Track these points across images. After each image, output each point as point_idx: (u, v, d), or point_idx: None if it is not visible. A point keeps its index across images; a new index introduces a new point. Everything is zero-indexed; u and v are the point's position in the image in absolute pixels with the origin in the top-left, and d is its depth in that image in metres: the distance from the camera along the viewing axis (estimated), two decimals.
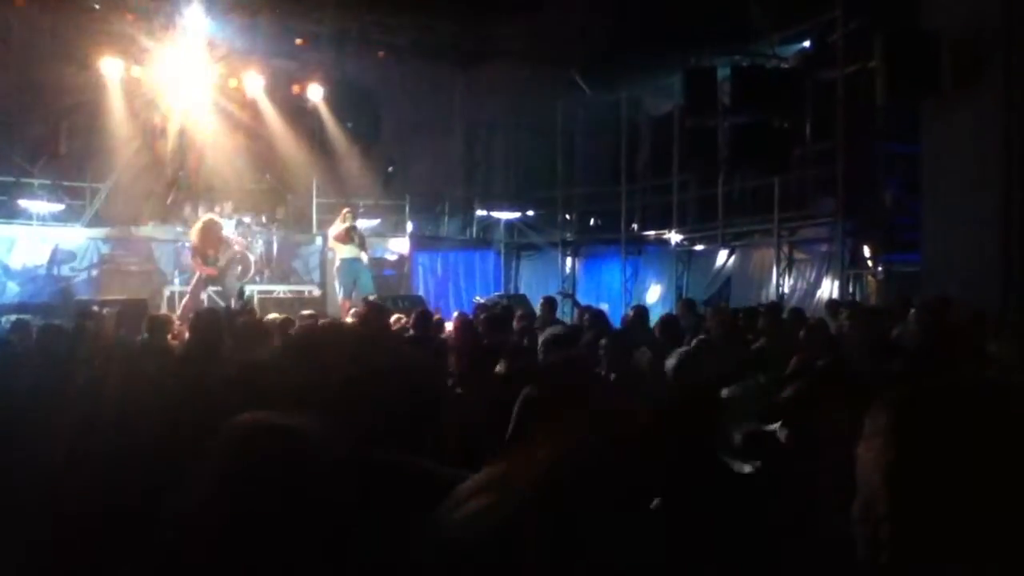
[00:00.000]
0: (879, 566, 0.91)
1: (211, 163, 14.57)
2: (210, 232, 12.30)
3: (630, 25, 13.53)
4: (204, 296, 12.10)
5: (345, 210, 13.26)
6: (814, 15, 12.43)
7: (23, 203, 13.50)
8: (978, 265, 8.97)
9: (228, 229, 13.23)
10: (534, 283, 17.26)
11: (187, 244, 13.05)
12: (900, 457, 0.90)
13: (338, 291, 12.96)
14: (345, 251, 12.91)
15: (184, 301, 12.04)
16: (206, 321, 5.50)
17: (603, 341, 5.14)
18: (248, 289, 13.00)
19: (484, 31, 14.78)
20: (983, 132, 9.10)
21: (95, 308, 9.57)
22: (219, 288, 12.30)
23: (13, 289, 12.82)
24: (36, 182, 13.68)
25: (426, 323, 7.13)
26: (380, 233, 16.06)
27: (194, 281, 12.28)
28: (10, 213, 13.48)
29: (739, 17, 12.61)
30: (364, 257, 13.14)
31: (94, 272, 13.58)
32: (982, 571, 0.86)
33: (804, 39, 13.11)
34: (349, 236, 12.87)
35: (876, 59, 10.01)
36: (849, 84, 11.81)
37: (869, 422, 0.95)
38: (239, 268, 13.27)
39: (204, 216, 12.89)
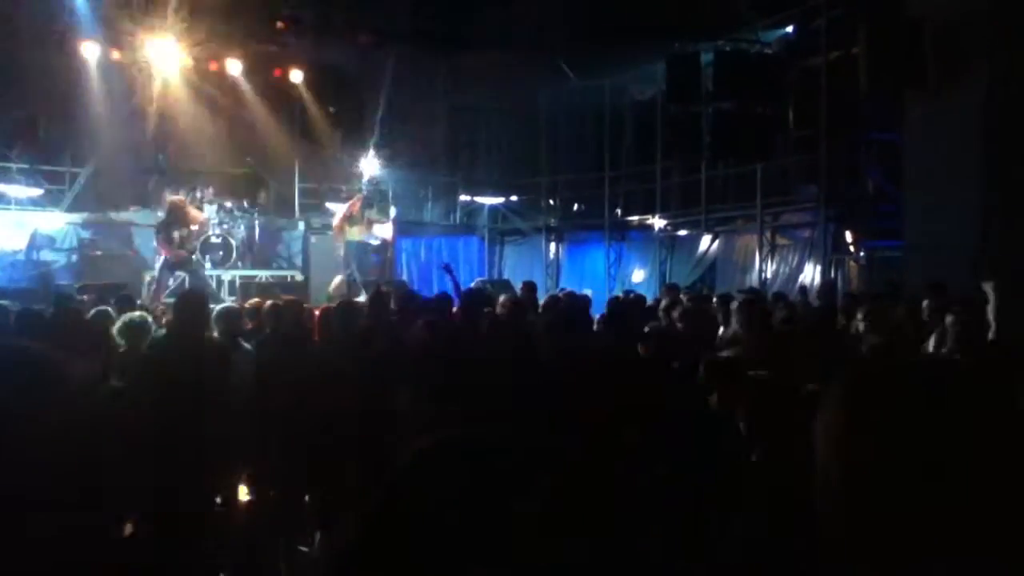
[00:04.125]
0: (832, 540, 0.93)
1: (192, 148, 14.45)
2: (174, 213, 12.17)
3: (615, 11, 13.50)
4: (171, 281, 11.95)
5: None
6: (798, 1, 12.43)
7: (1, 187, 13.34)
8: (958, 252, 9.02)
9: (208, 213, 13.13)
10: (518, 268, 17.26)
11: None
12: (849, 430, 0.94)
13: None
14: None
15: (154, 289, 11.91)
16: (191, 304, 5.39)
17: None
18: (231, 274, 12.95)
19: (468, 17, 14.70)
20: (965, 120, 9.13)
21: (74, 294, 9.47)
22: (184, 274, 12.14)
23: None
24: (14, 166, 13.52)
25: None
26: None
27: (159, 265, 12.15)
28: None
29: (723, 3, 12.60)
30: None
31: (73, 257, 13.44)
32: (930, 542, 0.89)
33: (788, 25, 13.11)
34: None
35: (860, 47, 10.03)
36: (832, 71, 11.83)
37: (824, 398, 0.99)
38: (220, 253, 13.18)
39: (169, 197, 12.75)
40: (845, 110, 11.75)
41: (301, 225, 15.14)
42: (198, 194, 13.61)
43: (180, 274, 12.08)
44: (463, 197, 17.66)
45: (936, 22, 9.41)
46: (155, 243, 12.33)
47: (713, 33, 13.03)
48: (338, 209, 14.17)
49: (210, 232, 13.03)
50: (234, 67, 14.40)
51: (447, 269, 7.77)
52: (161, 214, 13.49)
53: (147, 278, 12.90)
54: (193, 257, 12.29)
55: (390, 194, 16.27)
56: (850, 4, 11.34)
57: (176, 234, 11.99)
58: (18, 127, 13.77)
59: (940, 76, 9.37)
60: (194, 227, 12.50)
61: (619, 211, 16.95)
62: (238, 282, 13.04)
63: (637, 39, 13.66)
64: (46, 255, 13.28)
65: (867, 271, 11.95)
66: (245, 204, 14.16)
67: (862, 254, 12.24)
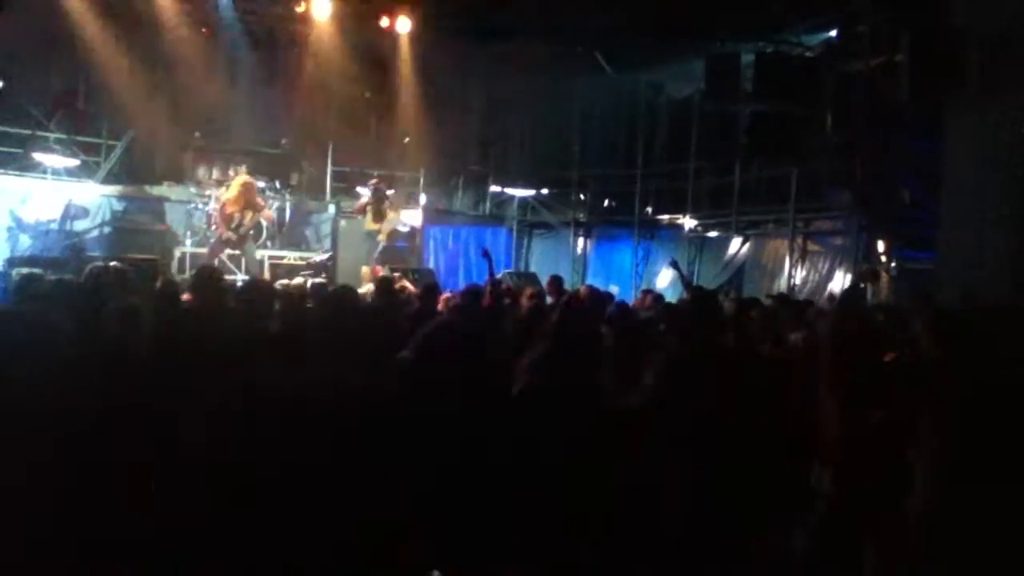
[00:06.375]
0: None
1: (228, 125, 14.56)
2: (246, 194, 12.18)
3: (654, 7, 13.41)
4: (225, 256, 12.10)
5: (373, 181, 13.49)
6: (841, 5, 12.28)
7: (37, 156, 13.48)
8: (992, 266, 8.90)
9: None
10: (545, 262, 17.22)
11: (206, 204, 13.05)
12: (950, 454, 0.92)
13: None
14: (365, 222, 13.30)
15: (207, 255, 12.05)
16: (206, 279, 5.41)
17: None
18: (260, 254, 13.00)
19: (507, 7, 14.65)
20: (1007, 132, 8.99)
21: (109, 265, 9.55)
22: (236, 252, 12.26)
23: (25, 242, 12.85)
24: (52, 136, 13.66)
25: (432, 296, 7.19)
26: (393, 204, 16.04)
27: (213, 242, 12.24)
28: (24, 166, 13.47)
29: (765, 3, 12.47)
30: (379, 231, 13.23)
31: (106, 229, 13.59)
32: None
33: (830, 28, 12.96)
34: (362, 210, 13.27)
35: (902, 55, 9.88)
36: (872, 77, 11.68)
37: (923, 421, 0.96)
38: (251, 232, 13.26)
39: (243, 176, 12.75)
40: (884, 117, 11.60)
41: (332, 208, 15.20)
42: (231, 172, 13.71)
43: (233, 253, 12.19)
44: (493, 188, 17.63)
45: (980, 31, 9.25)
46: (213, 214, 12.38)
47: (754, 34, 12.91)
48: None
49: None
50: (269, 47, 14.50)
51: (486, 255, 7.76)
52: (194, 189, 13.61)
53: (177, 253, 13.03)
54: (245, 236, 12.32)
55: (420, 181, 16.30)
56: (894, 10, 11.18)
57: (238, 215, 12.03)
58: (59, 97, 13.91)
59: (983, 85, 9.22)
60: (257, 214, 12.46)
61: (649, 209, 16.86)
62: (267, 262, 13.15)
63: (676, 36, 13.57)
64: (79, 226, 13.43)
65: (898, 281, 11.81)
66: (277, 184, 14.24)
67: (893, 264, 12.10)
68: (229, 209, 11.93)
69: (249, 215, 12.15)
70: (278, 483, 2.87)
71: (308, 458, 2.93)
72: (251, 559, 2.80)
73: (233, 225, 11.94)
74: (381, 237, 13.11)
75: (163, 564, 2.81)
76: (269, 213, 13.05)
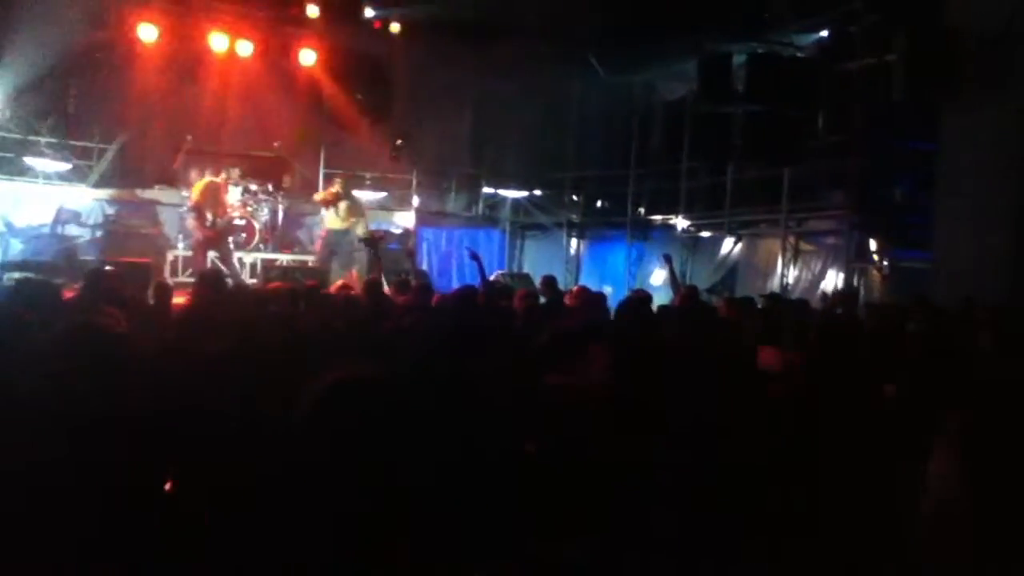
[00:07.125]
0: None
1: (220, 129, 14.51)
2: (211, 193, 12.22)
3: (647, 7, 13.43)
4: (209, 261, 12.06)
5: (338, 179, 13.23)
6: (834, 5, 12.30)
7: (29, 160, 13.41)
8: (988, 265, 8.94)
9: (234, 195, 13.17)
10: (538, 263, 17.19)
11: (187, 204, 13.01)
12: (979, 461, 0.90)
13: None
14: (328, 219, 12.94)
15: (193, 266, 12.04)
16: (209, 281, 5.40)
17: None
18: (253, 256, 12.98)
19: (499, 7, 14.64)
20: (1002, 133, 9.03)
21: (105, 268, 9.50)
22: (217, 254, 12.24)
23: (17, 247, 12.78)
24: (43, 140, 13.59)
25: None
26: (386, 207, 16.02)
27: (195, 244, 12.22)
28: (16, 170, 13.40)
29: (758, 4, 12.50)
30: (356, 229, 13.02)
31: (98, 233, 13.52)
32: None
33: (823, 29, 12.98)
34: (331, 202, 12.83)
35: (896, 55, 9.91)
36: (866, 77, 11.71)
37: (949, 426, 0.95)
38: (243, 235, 13.24)
39: (207, 177, 12.82)
40: (877, 117, 11.63)
41: (323, 210, 15.13)
42: (223, 175, 13.67)
43: (214, 253, 12.18)
44: (486, 189, 17.60)
45: (976, 32, 9.29)
46: (189, 222, 12.37)
47: (746, 34, 12.94)
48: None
49: (234, 214, 13.09)
50: (261, 50, 14.45)
51: (474, 257, 7.77)
52: (186, 193, 13.59)
53: (170, 257, 12.98)
54: (224, 237, 12.33)
55: (413, 183, 16.27)
56: (888, 11, 11.21)
57: (209, 214, 12.05)
58: (48, 101, 13.85)
59: (977, 87, 9.25)
60: (222, 217, 12.44)
61: (642, 210, 16.87)
62: (260, 265, 13.11)
63: (669, 37, 13.59)
64: (71, 230, 13.36)
65: (890, 281, 11.84)
66: (270, 187, 14.20)
67: (885, 263, 12.13)
68: (199, 209, 11.98)
69: (216, 215, 12.17)
70: (276, 480, 2.84)
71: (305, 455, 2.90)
72: (248, 557, 2.78)
73: (208, 224, 11.97)
74: (360, 231, 12.90)
75: (160, 563, 2.79)
76: (243, 209, 12.99)
